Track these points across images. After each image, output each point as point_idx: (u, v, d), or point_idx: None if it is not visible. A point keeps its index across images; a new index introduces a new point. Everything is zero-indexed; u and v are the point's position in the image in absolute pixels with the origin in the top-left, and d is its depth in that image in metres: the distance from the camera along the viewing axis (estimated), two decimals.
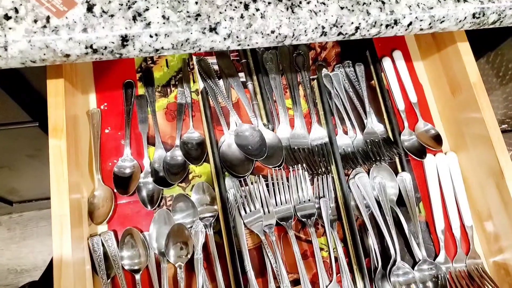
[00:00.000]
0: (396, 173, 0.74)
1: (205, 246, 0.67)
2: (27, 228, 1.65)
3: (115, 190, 0.69)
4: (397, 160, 0.75)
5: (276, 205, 0.69)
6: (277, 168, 0.71)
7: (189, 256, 0.64)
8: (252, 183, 0.70)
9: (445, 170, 0.76)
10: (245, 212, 0.68)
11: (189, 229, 0.66)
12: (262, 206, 0.68)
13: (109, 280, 0.64)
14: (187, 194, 0.70)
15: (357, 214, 0.71)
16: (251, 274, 0.65)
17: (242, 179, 0.70)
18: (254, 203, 0.68)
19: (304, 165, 0.72)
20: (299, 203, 0.70)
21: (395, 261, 0.68)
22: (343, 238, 0.70)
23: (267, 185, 0.70)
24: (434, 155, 0.76)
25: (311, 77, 0.79)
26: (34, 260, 1.61)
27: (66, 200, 0.57)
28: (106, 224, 0.68)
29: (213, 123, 0.73)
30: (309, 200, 0.70)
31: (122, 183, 0.69)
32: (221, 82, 0.76)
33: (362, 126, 0.77)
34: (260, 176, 0.71)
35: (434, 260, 0.71)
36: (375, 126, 0.77)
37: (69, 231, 0.56)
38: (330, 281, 0.67)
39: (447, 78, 0.76)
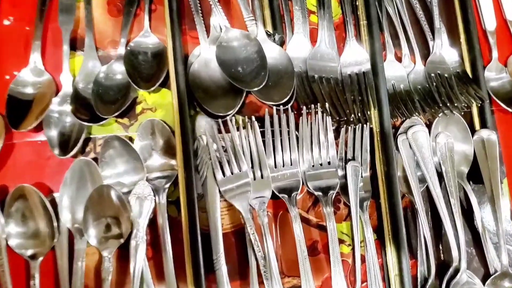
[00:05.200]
0: (473, 130, 0.58)
1: (153, 222, 0.52)
2: None
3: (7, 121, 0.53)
4: (474, 109, 0.59)
5: (276, 167, 0.54)
6: (282, 106, 0.55)
7: (122, 239, 0.49)
8: (238, 128, 0.54)
9: None
10: (223, 175, 0.53)
11: (125, 195, 0.50)
12: (253, 167, 0.54)
13: None
14: (128, 136, 0.54)
15: (404, 191, 0.57)
16: (222, 272, 0.50)
17: (222, 120, 0.55)
18: (239, 162, 0.53)
19: (327, 105, 0.55)
20: (313, 166, 0.55)
21: (458, 269, 0.53)
22: (377, 227, 0.56)
23: (262, 134, 0.54)
24: None
25: None
26: None
27: None
28: None
29: (183, 24, 0.57)
30: (328, 163, 0.55)
31: (20, 110, 0.52)
32: None
33: (426, 52, 0.62)
34: (253, 118, 0.55)
35: None
36: (445, 52, 0.61)
37: None
38: None
39: None
